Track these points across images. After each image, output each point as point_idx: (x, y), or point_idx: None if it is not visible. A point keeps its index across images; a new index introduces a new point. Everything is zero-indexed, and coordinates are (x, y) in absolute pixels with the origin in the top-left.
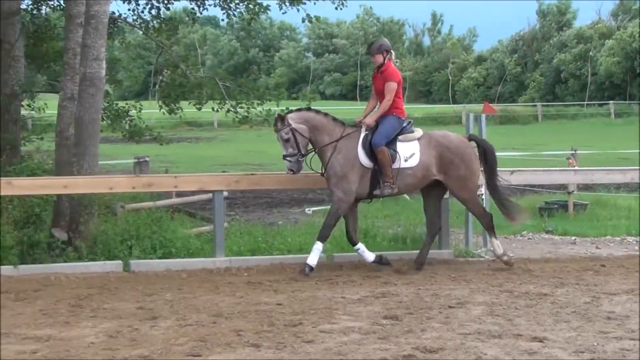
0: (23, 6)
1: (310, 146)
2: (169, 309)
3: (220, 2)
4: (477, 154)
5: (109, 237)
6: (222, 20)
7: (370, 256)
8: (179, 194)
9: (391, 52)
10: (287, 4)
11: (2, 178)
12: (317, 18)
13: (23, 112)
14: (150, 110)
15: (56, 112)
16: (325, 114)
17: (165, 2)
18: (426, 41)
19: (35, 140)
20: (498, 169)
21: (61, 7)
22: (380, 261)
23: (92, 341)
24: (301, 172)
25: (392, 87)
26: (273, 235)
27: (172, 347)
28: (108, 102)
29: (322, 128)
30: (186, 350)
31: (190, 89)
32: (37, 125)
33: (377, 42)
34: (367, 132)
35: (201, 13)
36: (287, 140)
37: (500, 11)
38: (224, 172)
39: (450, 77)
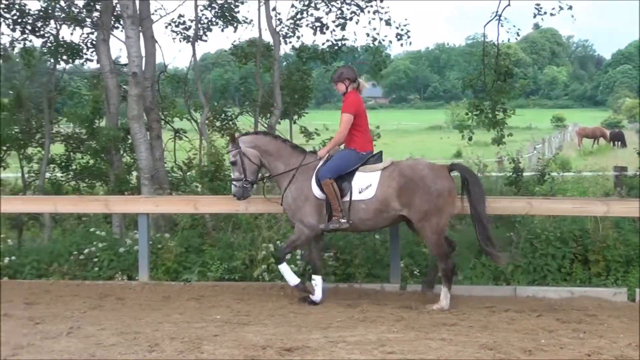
0: None
1: (262, 172)
2: None
3: None
4: (451, 186)
5: None
6: None
7: (319, 294)
8: None
9: (358, 82)
10: None
11: None
12: None
13: None
14: None
15: None
16: (284, 140)
17: None
18: None
19: None
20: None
21: None
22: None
23: None
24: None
25: (344, 118)
26: None
27: None
28: None
29: (277, 154)
30: None
31: None
32: None
33: (338, 70)
34: (322, 163)
35: None
36: (234, 164)
37: None
38: None
39: None
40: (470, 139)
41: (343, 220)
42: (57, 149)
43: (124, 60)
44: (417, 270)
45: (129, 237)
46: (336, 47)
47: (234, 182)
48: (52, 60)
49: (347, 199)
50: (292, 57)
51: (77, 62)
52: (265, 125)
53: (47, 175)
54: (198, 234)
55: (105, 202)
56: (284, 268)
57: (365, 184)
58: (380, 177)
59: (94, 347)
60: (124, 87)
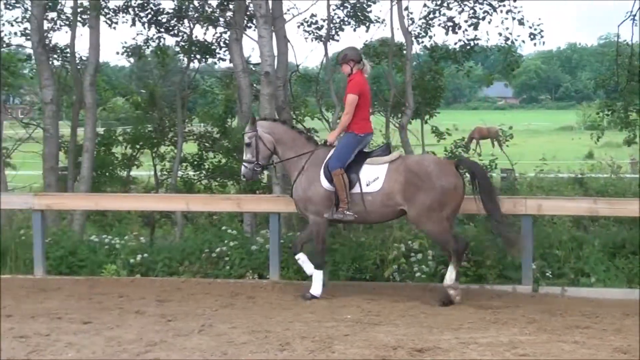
0: None
1: (272, 159)
2: None
3: None
4: (458, 182)
5: None
6: None
7: (310, 268)
8: None
9: (362, 62)
10: None
11: None
12: None
13: None
14: None
15: None
16: (300, 132)
17: None
18: None
19: None
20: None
21: None
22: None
23: None
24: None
25: (349, 99)
26: None
27: None
28: None
29: (291, 144)
30: None
31: None
32: None
33: (343, 52)
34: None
35: None
36: (249, 145)
37: None
38: None
39: None
40: (598, 139)
41: (348, 212)
42: (190, 147)
43: (255, 59)
44: (550, 272)
45: (260, 236)
46: (468, 47)
47: (244, 163)
48: (185, 59)
49: (357, 190)
50: (423, 56)
51: (209, 61)
52: (397, 125)
53: (180, 173)
54: (329, 234)
55: (237, 201)
56: (319, 276)
57: (373, 177)
58: (387, 170)
59: (226, 345)
60: (256, 86)
